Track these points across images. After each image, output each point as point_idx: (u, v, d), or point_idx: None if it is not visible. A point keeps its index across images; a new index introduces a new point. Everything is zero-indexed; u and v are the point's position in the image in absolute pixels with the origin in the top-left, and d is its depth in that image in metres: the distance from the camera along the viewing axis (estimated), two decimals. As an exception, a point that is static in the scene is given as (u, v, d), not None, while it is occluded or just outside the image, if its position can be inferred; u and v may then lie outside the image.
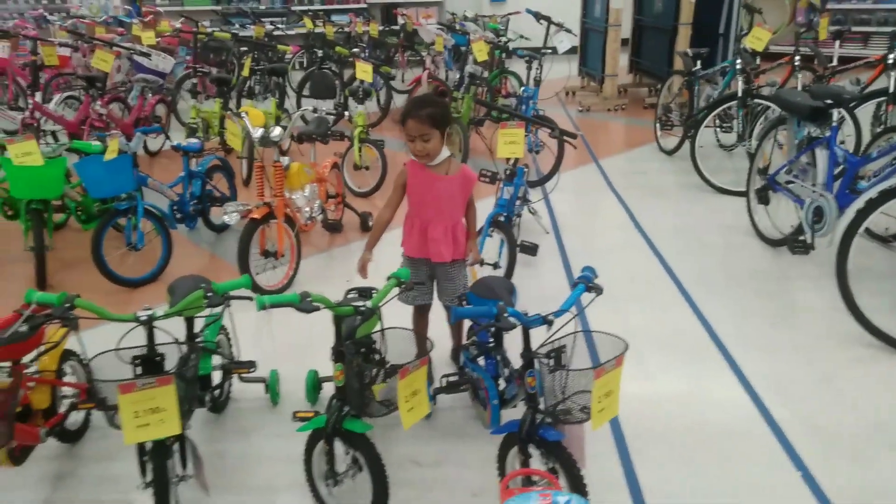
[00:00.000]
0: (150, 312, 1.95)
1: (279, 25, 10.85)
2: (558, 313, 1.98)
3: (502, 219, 3.64)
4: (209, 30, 8.47)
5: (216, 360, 2.66)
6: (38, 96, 6.69)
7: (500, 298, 2.21)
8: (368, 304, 2.09)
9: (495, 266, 3.60)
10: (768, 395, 2.83)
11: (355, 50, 6.22)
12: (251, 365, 2.64)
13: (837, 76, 5.92)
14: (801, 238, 3.81)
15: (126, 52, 7.01)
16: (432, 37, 7.69)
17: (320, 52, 8.48)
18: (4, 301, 3.80)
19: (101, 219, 3.80)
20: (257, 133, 3.63)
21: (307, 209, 4.12)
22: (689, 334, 3.33)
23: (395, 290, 2.20)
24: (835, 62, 5.98)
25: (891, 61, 5.30)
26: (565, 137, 3.83)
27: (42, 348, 2.34)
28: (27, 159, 3.64)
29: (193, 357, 2.17)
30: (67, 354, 2.54)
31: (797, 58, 5.73)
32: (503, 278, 2.45)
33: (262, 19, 10.93)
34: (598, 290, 2.05)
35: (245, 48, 7.80)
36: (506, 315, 1.91)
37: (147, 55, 6.78)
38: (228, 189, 4.83)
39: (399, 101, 8.14)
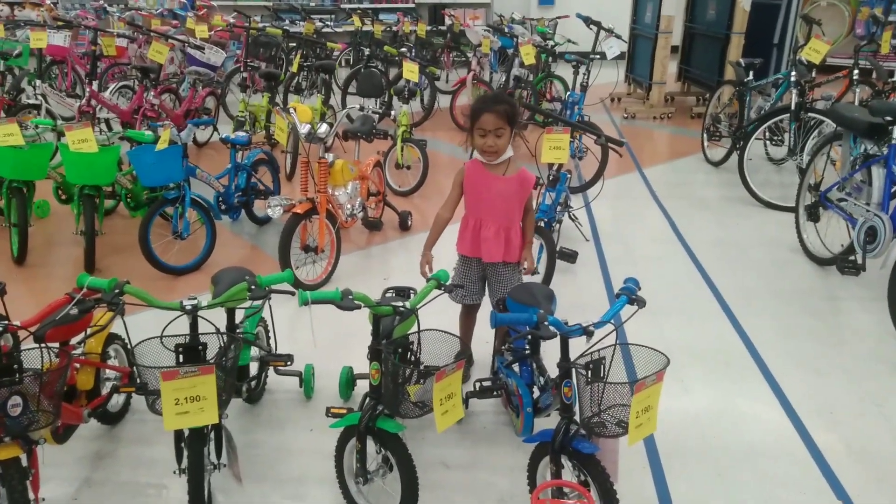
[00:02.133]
0: (194, 302, 1.99)
1: (328, 23, 10.99)
2: (599, 324, 1.96)
3: (543, 224, 3.61)
4: (261, 25, 8.60)
5: (254, 351, 2.70)
6: (95, 85, 6.93)
7: (539, 306, 2.20)
8: (407, 304, 2.09)
9: (534, 272, 3.57)
10: (810, 417, 2.75)
11: (403, 49, 6.25)
12: (288, 358, 2.67)
13: (897, 92, 5.72)
14: (852, 258, 3.68)
15: (179, 44, 7.18)
16: (479, 38, 7.68)
17: (367, 50, 8.59)
18: (55, 282, 3.97)
19: (149, 207, 3.90)
20: (304, 129, 3.68)
21: (349, 206, 4.15)
22: (730, 351, 3.25)
23: (435, 292, 2.20)
24: (896, 77, 5.77)
25: (956, 79, 5.10)
26: (611, 144, 3.78)
27: (89, 331, 2.41)
28: (83, 146, 3.75)
29: (234, 348, 2.21)
30: (112, 338, 2.61)
31: (855, 71, 5.55)
32: (543, 285, 2.43)
33: (312, 16, 11.12)
34: (641, 303, 2.01)
35: (294, 44, 7.91)
36: (546, 324, 1.89)
37: (200, 48, 6.94)
38: (273, 183, 4.90)
39: (444, 101, 8.16)
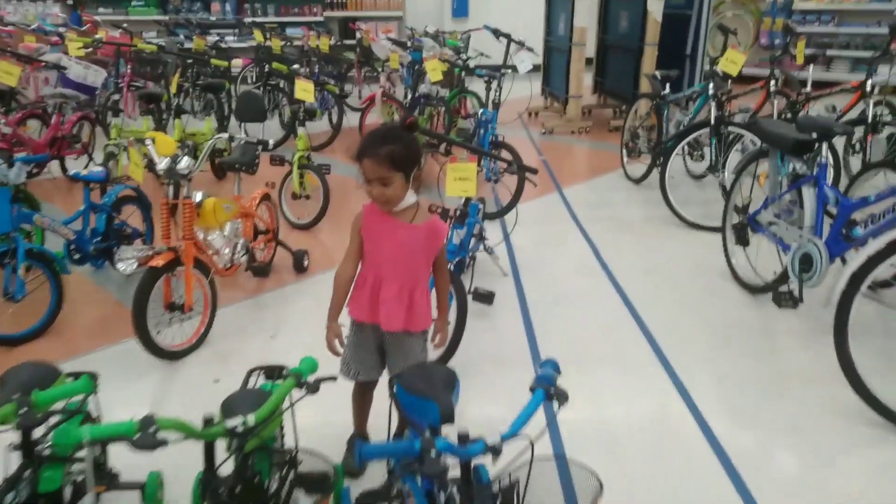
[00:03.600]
0: (241, 421, 1.41)
1: (227, 38, 10.25)
2: (508, 434, 1.47)
3: (451, 267, 3.12)
4: (145, 41, 7.80)
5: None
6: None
7: (434, 396, 1.70)
8: (252, 416, 1.52)
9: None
10: (759, 484, 2.36)
11: (295, 66, 5.68)
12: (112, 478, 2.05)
13: (812, 102, 5.61)
14: (787, 289, 3.38)
15: (27, 62, 6.28)
16: (387, 53, 7.20)
17: (268, 67, 7.94)
18: None
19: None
20: (162, 163, 3.06)
21: (227, 251, 3.55)
22: (669, 411, 2.84)
23: (296, 393, 1.66)
24: (808, 87, 5.67)
25: (869, 89, 5.00)
26: (526, 175, 3.35)
27: None
28: None
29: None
30: None
31: (772, 82, 5.39)
32: (442, 366, 1.93)
33: (211, 31, 10.33)
34: (563, 398, 1.54)
35: (174, 62, 7.18)
36: (433, 452, 1.38)
37: (62, 68, 6.11)
38: (144, 223, 4.21)
39: (353, 119, 7.62)
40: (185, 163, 3.02)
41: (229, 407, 1.72)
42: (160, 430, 1.36)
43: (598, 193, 5.93)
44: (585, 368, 3.12)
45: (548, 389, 1.55)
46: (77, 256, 3.75)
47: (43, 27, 9.31)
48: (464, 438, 1.47)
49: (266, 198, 4.05)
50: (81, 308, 3.69)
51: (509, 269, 4.21)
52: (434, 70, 5.31)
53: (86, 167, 6.01)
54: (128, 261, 3.00)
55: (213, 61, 6.37)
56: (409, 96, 6.46)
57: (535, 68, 6.43)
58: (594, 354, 3.26)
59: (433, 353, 3.01)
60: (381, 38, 7.91)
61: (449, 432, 1.51)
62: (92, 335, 3.46)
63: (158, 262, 3.00)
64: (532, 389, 1.57)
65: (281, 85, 7.53)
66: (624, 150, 6.22)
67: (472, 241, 3.75)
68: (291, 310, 3.76)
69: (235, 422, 1.44)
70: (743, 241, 3.86)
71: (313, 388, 1.61)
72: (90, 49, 7.41)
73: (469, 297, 3.28)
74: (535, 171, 3.32)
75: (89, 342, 3.40)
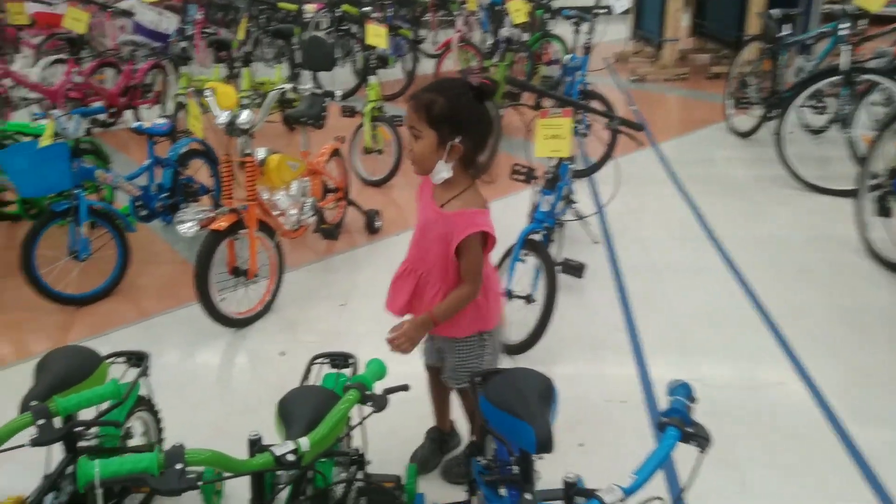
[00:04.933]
0: (292, 448, 1.16)
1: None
2: (633, 489, 1.11)
3: (538, 238, 2.75)
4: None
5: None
6: (23, 60, 5.99)
7: (528, 416, 1.37)
8: (305, 442, 1.20)
9: (528, 299, 2.73)
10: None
11: (366, 9, 5.29)
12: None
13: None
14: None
15: (102, 9, 6.14)
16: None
17: (339, 11, 7.58)
18: None
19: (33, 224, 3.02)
20: (222, 117, 2.79)
21: (294, 211, 3.29)
22: (793, 407, 2.42)
23: (358, 412, 1.36)
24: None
25: None
26: (625, 129, 2.88)
27: None
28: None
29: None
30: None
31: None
32: (536, 374, 1.58)
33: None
34: (703, 442, 1.16)
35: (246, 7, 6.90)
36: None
37: (131, 14, 5.95)
38: (213, 178, 4.02)
39: (428, 66, 7.20)
40: (245, 117, 2.74)
41: (286, 411, 1.45)
42: (190, 461, 1.08)
43: (699, 149, 5.33)
44: (691, 355, 2.71)
45: (682, 427, 1.17)
46: (144, 213, 3.60)
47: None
48: (571, 488, 1.13)
49: (336, 153, 3.75)
50: (149, 267, 3.55)
51: (601, 235, 3.79)
52: (518, 11, 4.81)
53: (159, 117, 5.91)
54: (188, 223, 2.78)
55: (281, 5, 6.05)
56: (489, 41, 5.96)
57: (628, 9, 5.80)
58: (701, 338, 2.84)
59: (517, 333, 2.70)
60: (460, -23, 7.36)
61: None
62: (160, 296, 3.32)
63: (220, 224, 2.77)
64: (661, 427, 1.19)
65: (353, 31, 7.17)
66: (730, 101, 5.55)
67: (560, 204, 3.34)
68: (362, 274, 3.50)
69: (285, 448, 1.15)
70: (884, 210, 3.27)
71: (380, 404, 1.30)
72: (162, -6, 7.26)
73: (558, 270, 2.90)
74: (639, 128, 2.85)
75: (156, 303, 3.26)
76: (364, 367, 1.45)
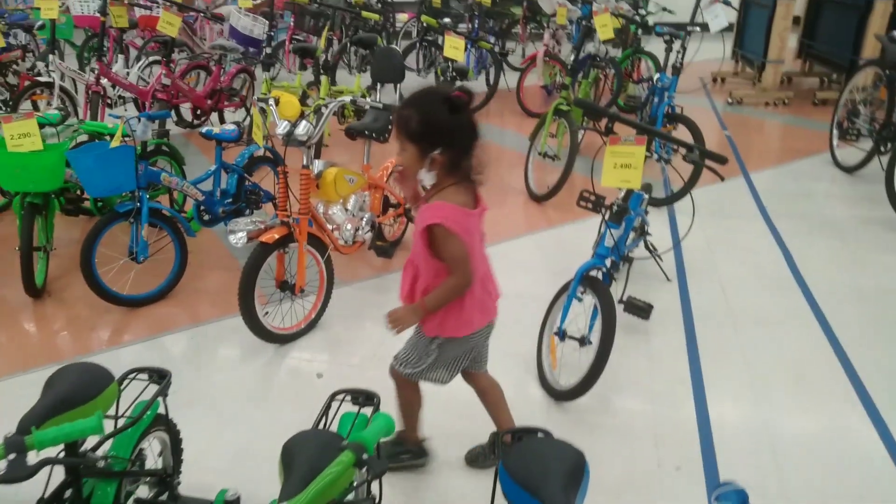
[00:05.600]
0: None
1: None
2: None
3: (598, 275, 2.52)
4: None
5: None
6: (121, 61, 6.29)
7: (547, 498, 1.18)
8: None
9: (583, 342, 2.50)
10: None
11: (446, 21, 5.18)
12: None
13: None
14: None
15: (194, 14, 6.35)
16: (554, 6, 6.47)
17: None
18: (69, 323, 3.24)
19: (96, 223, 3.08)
20: (281, 127, 2.74)
21: (349, 226, 3.20)
22: (883, 489, 2.08)
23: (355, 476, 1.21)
24: None
25: None
26: (709, 162, 2.60)
27: None
28: (25, 143, 2.99)
29: None
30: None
31: None
32: (567, 447, 1.38)
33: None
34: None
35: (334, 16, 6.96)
36: None
37: (219, 19, 6.13)
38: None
39: (511, 80, 7.04)
40: (302, 128, 2.67)
41: (288, 457, 1.32)
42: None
43: (796, 182, 4.87)
44: (764, 419, 2.40)
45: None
46: (207, 217, 3.63)
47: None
48: None
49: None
50: (207, 272, 3.57)
51: (674, 272, 3.49)
52: (604, 26, 4.56)
53: (243, 121, 6.05)
54: (239, 233, 2.74)
55: (364, 14, 6.06)
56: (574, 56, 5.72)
57: (727, 27, 5.40)
58: (777, 400, 2.52)
59: (568, 377, 2.48)
60: (551, -11, 7.16)
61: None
62: (213, 302, 3.31)
63: (269, 237, 2.72)
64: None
65: (438, 41, 7.12)
66: (836, 130, 5.06)
67: (631, 236, 3.09)
68: (415, 296, 3.37)
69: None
70: None
71: (377, 470, 1.15)
72: (257, 1, 7.47)
73: (619, 308, 2.66)
74: (723, 161, 2.56)
75: (209, 310, 3.25)
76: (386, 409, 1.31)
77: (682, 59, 4.58)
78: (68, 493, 1.53)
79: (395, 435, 2.18)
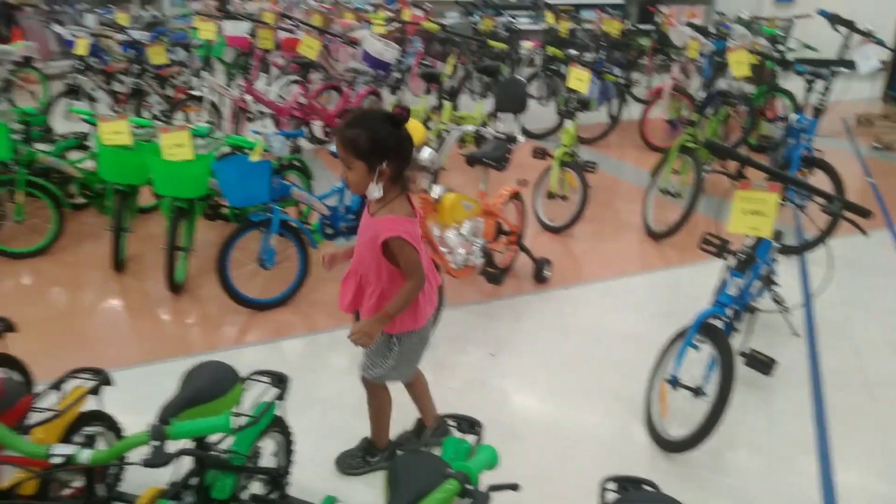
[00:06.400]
0: None
1: (520, 19, 10.13)
2: None
3: (719, 324, 2.40)
4: (431, 20, 7.97)
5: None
6: (265, 81, 6.79)
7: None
8: None
9: (697, 392, 2.39)
10: None
11: (571, 51, 5.17)
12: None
13: None
14: None
15: (336, 39, 6.72)
16: (685, 40, 6.30)
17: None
18: (142, 296, 3.63)
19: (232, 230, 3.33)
20: (406, 153, 2.84)
21: (462, 251, 3.26)
22: None
23: None
24: None
25: None
26: (849, 215, 2.41)
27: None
28: (177, 152, 3.30)
29: None
30: (85, 419, 2.00)
31: None
32: (671, 501, 1.32)
33: (505, 11, 10.31)
34: None
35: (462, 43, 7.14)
36: None
37: (352, 43, 6.45)
38: (396, 204, 4.17)
39: (636, 112, 6.91)
40: (426, 154, 2.77)
41: (394, 476, 1.37)
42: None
43: (951, 240, 4.42)
44: (902, 505, 2.18)
45: None
46: (329, 231, 3.82)
47: (360, 6, 10.16)
48: None
49: (516, 196, 3.68)
50: (325, 284, 3.74)
51: (803, 328, 3.26)
52: (739, 63, 4.38)
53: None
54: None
55: (490, 43, 6.18)
56: (704, 91, 5.53)
57: (879, 66, 5.02)
58: (919, 485, 2.28)
59: (679, 427, 2.37)
60: (682, 22, 6.98)
61: None
62: (329, 313, 3.47)
63: (387, 256, 2.81)
64: None
65: (562, 70, 7.12)
66: None
67: (756, 285, 2.92)
68: (521, 325, 3.36)
69: None
70: None
71: (481, 501, 1.16)
72: (390, 27, 7.83)
73: (739, 361, 2.52)
74: (867, 214, 2.37)
75: (325, 320, 3.41)
76: (483, 443, 1.32)
77: (826, 99, 4.30)
78: (194, 480, 1.66)
79: (364, 442, 2.38)
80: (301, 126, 5.67)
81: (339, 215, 3.81)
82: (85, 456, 1.28)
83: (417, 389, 2.37)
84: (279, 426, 2.06)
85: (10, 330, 2.29)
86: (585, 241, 4.38)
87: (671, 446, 2.40)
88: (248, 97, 5.62)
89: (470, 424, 1.84)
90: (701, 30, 6.41)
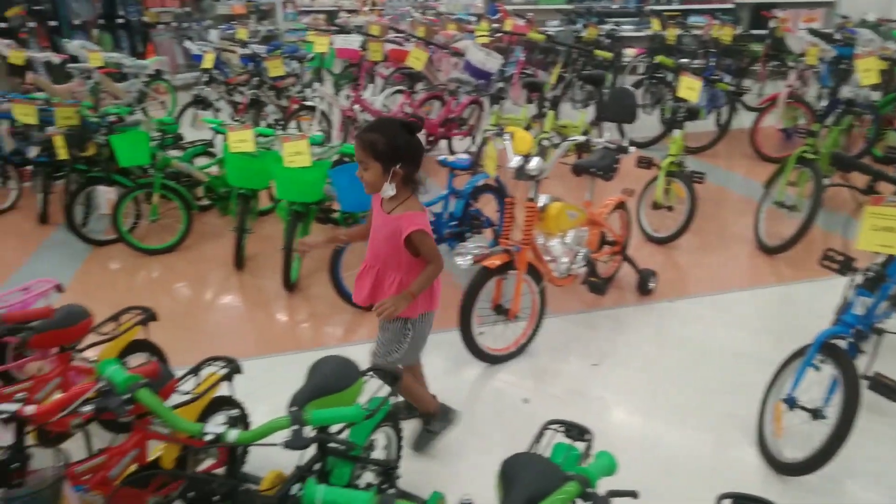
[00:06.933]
0: None
1: (623, 26, 9.97)
2: None
3: (843, 345, 2.28)
4: (538, 30, 7.98)
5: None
6: (370, 89, 7.06)
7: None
8: None
9: (816, 414, 2.29)
10: None
11: (682, 61, 5.04)
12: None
13: None
14: None
15: (440, 50, 6.87)
16: (803, 46, 5.98)
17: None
18: (259, 295, 3.87)
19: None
20: (513, 162, 2.90)
21: (565, 259, 3.26)
22: None
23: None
24: None
25: None
26: None
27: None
28: (297, 160, 3.52)
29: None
30: (218, 403, 2.19)
31: None
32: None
33: (609, 19, 10.17)
34: None
35: (565, 51, 7.10)
36: None
37: (457, 53, 6.57)
38: (498, 214, 4.23)
39: (746, 120, 6.63)
40: (534, 164, 2.80)
41: (507, 476, 1.42)
42: None
43: None
44: None
45: None
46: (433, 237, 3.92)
47: (463, 16, 10.35)
48: None
49: (621, 206, 3.64)
50: (427, 286, 3.86)
51: (935, 353, 3.02)
52: (868, 71, 4.12)
53: (466, 150, 6.44)
54: (466, 255, 2.94)
55: (596, 52, 6.12)
56: (825, 100, 5.24)
57: None
58: None
59: (795, 448, 2.27)
60: (800, 28, 6.64)
61: None
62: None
63: (493, 262, 2.88)
64: None
65: (667, 78, 6.95)
66: None
67: (884, 305, 2.75)
68: (623, 337, 3.32)
69: None
70: None
71: None
72: (493, 37, 7.92)
73: (863, 385, 2.38)
74: None
75: (426, 322, 3.51)
76: (594, 455, 1.35)
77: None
78: (316, 466, 1.78)
79: (420, 417, 2.52)
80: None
81: (444, 222, 3.91)
82: (232, 435, 1.41)
83: (413, 376, 2.52)
84: (391, 421, 2.16)
85: (152, 319, 2.54)
86: (690, 252, 4.25)
87: (786, 468, 2.30)
88: (357, 106, 5.88)
89: (580, 431, 1.86)
90: (823, 35, 6.07)
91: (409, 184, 2.17)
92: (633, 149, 2.97)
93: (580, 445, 1.83)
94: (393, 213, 2.17)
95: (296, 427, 1.37)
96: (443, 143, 6.44)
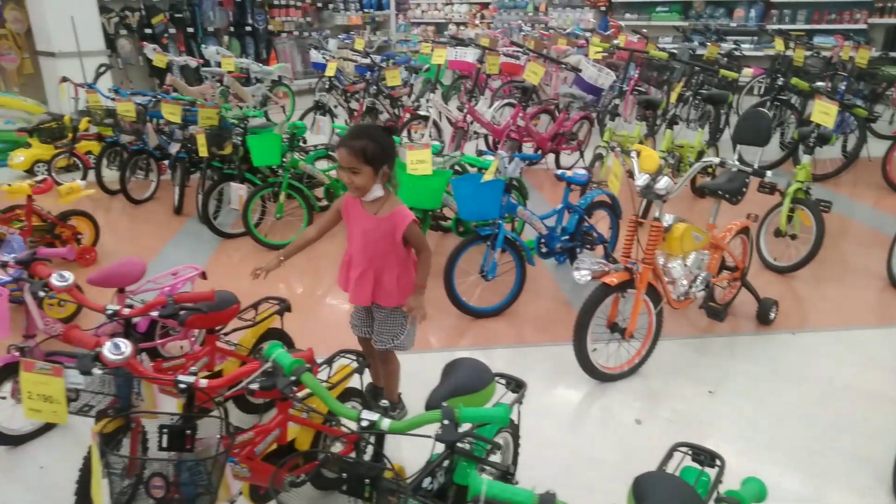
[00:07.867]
0: None
1: (743, 45, 9.61)
2: None
3: None
4: (658, 47, 7.84)
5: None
6: (483, 103, 7.18)
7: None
8: None
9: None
10: None
11: (818, 84, 4.81)
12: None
13: None
14: None
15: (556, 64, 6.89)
16: (951, 71, 5.56)
17: (782, 79, 7.11)
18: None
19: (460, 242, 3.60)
20: (641, 180, 2.89)
21: (685, 282, 3.20)
22: None
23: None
24: None
25: None
26: None
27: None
28: (419, 167, 3.65)
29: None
30: (349, 395, 2.32)
31: None
32: None
33: (728, 37, 9.84)
34: None
35: (682, 69, 6.94)
36: None
37: (575, 69, 6.56)
38: (610, 231, 4.20)
39: (876, 149, 6.24)
40: (663, 183, 2.78)
41: (642, 494, 1.44)
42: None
43: None
44: None
45: None
46: (544, 250, 3.95)
47: (574, 31, 10.32)
48: None
49: (744, 231, 3.53)
50: (534, 299, 3.88)
51: None
52: None
53: (573, 166, 6.42)
54: (584, 270, 2.94)
55: (722, 72, 5.94)
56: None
57: None
58: None
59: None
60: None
61: None
62: (536, 327, 3.60)
63: (612, 280, 2.87)
64: None
65: (792, 101, 6.64)
66: None
67: None
68: (741, 366, 3.21)
69: None
70: None
71: None
72: (607, 53, 7.86)
73: None
74: None
75: (533, 333, 3.55)
76: (740, 483, 1.34)
77: None
78: (444, 463, 1.85)
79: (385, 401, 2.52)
80: (518, 147, 5.91)
81: (556, 236, 3.93)
82: (385, 423, 1.51)
83: (394, 366, 2.64)
84: (512, 428, 2.20)
85: (287, 310, 2.72)
86: (810, 283, 4.05)
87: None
88: (469, 118, 6.00)
89: (711, 457, 1.84)
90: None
91: (388, 182, 2.32)
92: (769, 173, 2.88)
93: (711, 473, 1.81)
94: (380, 213, 2.31)
95: (447, 422, 1.45)
96: (551, 156, 6.46)
